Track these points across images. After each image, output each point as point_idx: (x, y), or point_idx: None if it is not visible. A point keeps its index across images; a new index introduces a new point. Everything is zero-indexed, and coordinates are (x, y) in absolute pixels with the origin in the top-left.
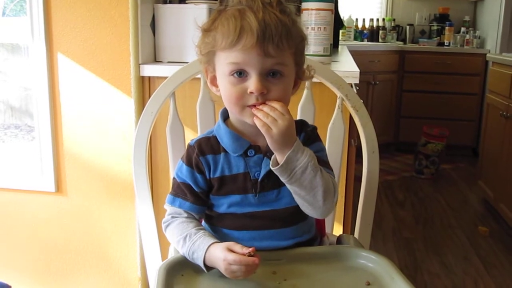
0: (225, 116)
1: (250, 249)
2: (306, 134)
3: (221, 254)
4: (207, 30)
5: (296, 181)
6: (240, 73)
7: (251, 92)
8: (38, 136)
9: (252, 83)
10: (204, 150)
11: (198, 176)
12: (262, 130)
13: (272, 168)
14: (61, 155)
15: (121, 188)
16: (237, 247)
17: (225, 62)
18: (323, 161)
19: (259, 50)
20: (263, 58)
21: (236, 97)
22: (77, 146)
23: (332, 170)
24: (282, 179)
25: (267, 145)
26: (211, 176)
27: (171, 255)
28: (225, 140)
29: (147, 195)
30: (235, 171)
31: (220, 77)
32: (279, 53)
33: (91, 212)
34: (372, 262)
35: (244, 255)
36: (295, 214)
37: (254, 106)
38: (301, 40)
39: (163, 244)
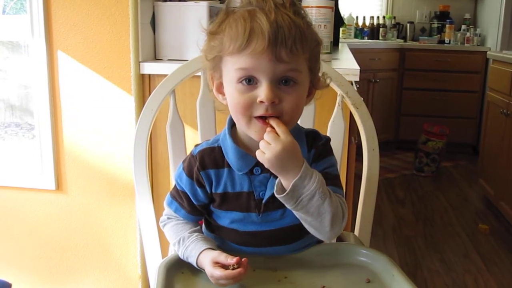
0: (232, 124)
1: (235, 260)
2: (317, 151)
3: (208, 269)
4: (213, 33)
5: (302, 208)
6: (249, 80)
7: (261, 102)
8: (39, 134)
9: (262, 92)
10: (206, 163)
11: (198, 189)
12: (257, 155)
13: (277, 196)
14: (61, 153)
15: (121, 186)
16: (222, 258)
17: (233, 68)
18: (333, 177)
19: (271, 54)
20: (275, 64)
21: (244, 107)
22: (77, 144)
23: (341, 188)
24: (287, 205)
25: None
26: (213, 191)
27: (171, 252)
28: (230, 155)
29: (147, 192)
30: (239, 189)
31: (227, 84)
32: (292, 58)
33: (91, 210)
34: (372, 259)
35: (229, 267)
36: (300, 230)
37: (262, 118)
38: (316, 44)
39: (163, 241)
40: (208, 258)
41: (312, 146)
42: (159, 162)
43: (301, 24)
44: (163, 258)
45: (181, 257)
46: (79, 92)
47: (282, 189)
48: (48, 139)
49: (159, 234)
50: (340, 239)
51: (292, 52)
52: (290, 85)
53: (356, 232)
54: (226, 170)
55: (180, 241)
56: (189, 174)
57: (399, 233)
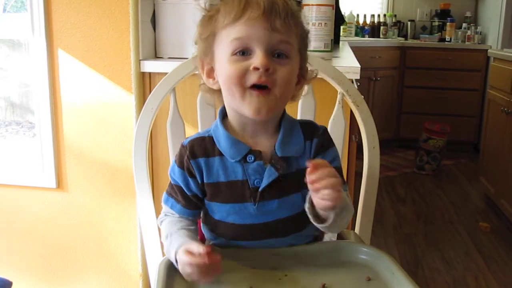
0: (224, 115)
1: (204, 249)
2: (319, 141)
3: (179, 257)
4: (209, 12)
5: (330, 228)
6: (243, 53)
7: (255, 68)
8: (39, 132)
9: (257, 59)
10: (196, 152)
11: (190, 179)
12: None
13: (320, 226)
14: (62, 151)
15: (122, 184)
16: (194, 246)
17: (227, 40)
18: (338, 170)
19: (265, 23)
20: (270, 33)
21: (238, 76)
22: (77, 142)
23: (345, 182)
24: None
25: (270, 151)
26: (204, 181)
27: None
28: (222, 143)
29: (147, 190)
30: (232, 178)
31: (220, 61)
32: (286, 29)
33: (92, 208)
34: (372, 257)
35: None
36: (298, 222)
37: (256, 87)
38: (305, 30)
39: None
40: (182, 248)
41: (313, 136)
42: (160, 160)
43: (294, 5)
44: (163, 256)
45: (166, 253)
46: (79, 90)
47: (318, 219)
48: (48, 137)
49: (159, 232)
50: (340, 237)
51: (285, 24)
52: (283, 58)
53: (357, 230)
54: (217, 158)
55: (167, 236)
56: (180, 165)
57: (399, 231)
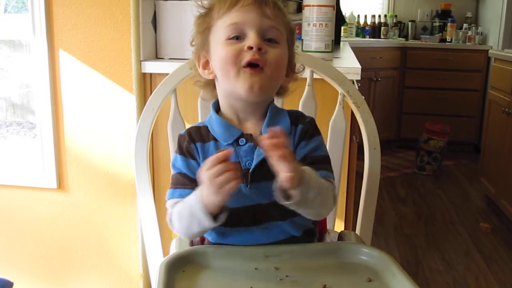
0: (217, 108)
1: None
2: (304, 127)
3: (201, 175)
4: (205, 7)
5: (301, 207)
6: (237, 37)
7: (249, 47)
8: (40, 133)
9: (250, 39)
10: (194, 137)
11: (192, 162)
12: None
13: (286, 203)
14: (63, 152)
15: (123, 185)
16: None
17: (222, 27)
18: (323, 160)
19: (258, 9)
20: (261, 18)
21: (233, 55)
22: (78, 143)
23: (331, 170)
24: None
25: (259, 134)
26: (201, 165)
27: (173, 251)
28: (216, 129)
29: (148, 191)
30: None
31: (215, 48)
32: (275, 17)
33: (93, 209)
34: (373, 258)
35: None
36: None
37: (250, 66)
38: (291, 25)
39: (165, 240)
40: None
41: (298, 122)
42: (161, 161)
43: (279, 1)
44: (164, 256)
45: (188, 219)
46: (80, 91)
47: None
48: (49, 138)
49: (160, 232)
50: (341, 237)
51: (275, 11)
52: (273, 43)
53: (358, 230)
54: (212, 143)
55: (182, 208)
56: (181, 152)
57: (400, 232)
